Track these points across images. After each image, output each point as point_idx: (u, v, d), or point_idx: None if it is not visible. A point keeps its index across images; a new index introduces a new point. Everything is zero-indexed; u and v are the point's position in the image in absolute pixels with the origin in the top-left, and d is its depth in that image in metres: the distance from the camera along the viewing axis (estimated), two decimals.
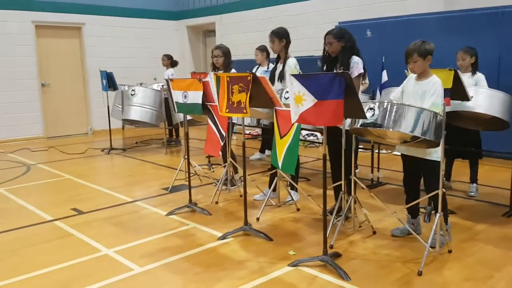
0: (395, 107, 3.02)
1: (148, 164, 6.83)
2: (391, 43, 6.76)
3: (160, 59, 8.51)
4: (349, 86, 2.78)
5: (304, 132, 7.73)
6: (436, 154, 3.35)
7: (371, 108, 3.03)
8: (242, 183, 3.82)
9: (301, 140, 7.71)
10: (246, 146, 3.76)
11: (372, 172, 5.26)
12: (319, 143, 7.83)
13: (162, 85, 7.78)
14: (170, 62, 8.42)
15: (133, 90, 7.73)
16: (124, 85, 8.07)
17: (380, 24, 7.38)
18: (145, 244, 3.66)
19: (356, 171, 5.98)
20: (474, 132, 4.71)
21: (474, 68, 4.70)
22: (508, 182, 4.25)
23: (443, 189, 3.19)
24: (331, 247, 3.44)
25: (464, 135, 4.65)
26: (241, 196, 4.79)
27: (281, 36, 4.55)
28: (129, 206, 4.72)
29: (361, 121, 3.13)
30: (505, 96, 4.09)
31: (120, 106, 8.04)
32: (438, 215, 3.16)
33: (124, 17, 10.60)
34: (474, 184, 4.89)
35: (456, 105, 4.15)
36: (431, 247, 3.22)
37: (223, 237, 3.68)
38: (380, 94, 4.95)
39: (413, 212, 3.66)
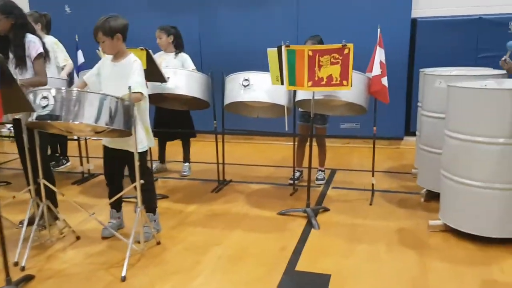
0: (74, 94, 2.55)
1: None
2: (89, 18, 6.24)
3: None
4: (4, 73, 2.16)
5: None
6: (141, 145, 3.09)
7: (44, 97, 2.48)
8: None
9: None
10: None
11: (81, 164, 4.71)
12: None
13: None
14: None
15: None
16: None
17: None
18: None
19: (67, 164, 5.35)
20: (184, 113, 4.72)
21: (178, 48, 4.66)
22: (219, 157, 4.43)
23: (153, 178, 2.95)
24: (22, 269, 2.80)
25: (173, 116, 4.61)
26: None
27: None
28: None
29: (35, 113, 2.55)
30: (202, 77, 4.16)
31: None
32: (138, 209, 2.92)
33: None
34: (187, 164, 4.95)
35: (157, 87, 4.01)
36: (137, 242, 2.98)
37: None
38: (78, 77, 4.40)
39: (117, 206, 3.35)
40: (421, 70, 4.52)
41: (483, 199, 2.95)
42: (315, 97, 3.65)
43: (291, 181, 4.48)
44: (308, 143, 3.78)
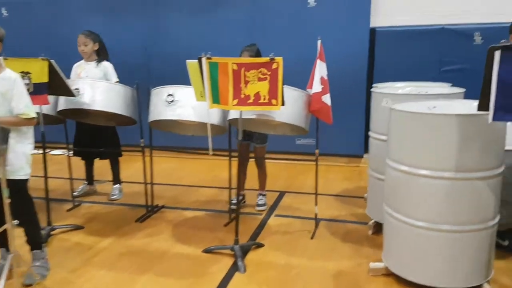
0: None
1: None
2: (28, 22, 5.71)
3: None
4: None
5: None
6: (23, 171, 2.59)
7: None
8: None
9: None
10: None
11: None
12: None
13: None
14: None
15: None
16: None
17: None
18: None
19: None
20: (108, 128, 4.19)
21: (101, 56, 4.14)
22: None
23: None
24: None
25: (94, 132, 4.09)
26: None
27: None
28: None
29: None
30: (126, 90, 3.66)
31: None
32: (10, 255, 2.40)
33: None
34: (117, 185, 4.43)
35: (70, 101, 3.50)
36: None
37: None
38: None
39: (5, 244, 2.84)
40: (374, 85, 4.11)
41: (427, 242, 2.50)
42: (247, 116, 3.20)
43: (233, 206, 4.01)
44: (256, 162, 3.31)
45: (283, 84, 2.82)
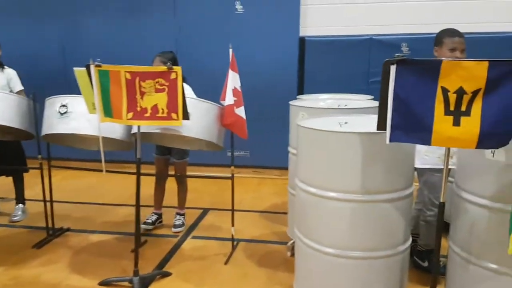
0: None
1: None
2: None
3: None
4: None
5: None
6: None
7: None
8: None
9: None
10: None
11: None
12: None
13: None
14: None
15: None
16: None
17: None
18: None
19: None
20: (14, 142, 3.76)
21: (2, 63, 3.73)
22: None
23: None
24: None
25: None
26: None
27: None
28: None
29: None
30: (20, 100, 3.26)
31: None
32: None
33: None
34: (20, 205, 3.98)
35: None
36: None
37: None
38: None
39: None
40: (298, 96, 3.91)
41: (337, 270, 2.28)
42: (149, 130, 2.90)
43: (148, 226, 3.68)
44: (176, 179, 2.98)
45: (209, 95, 2.55)
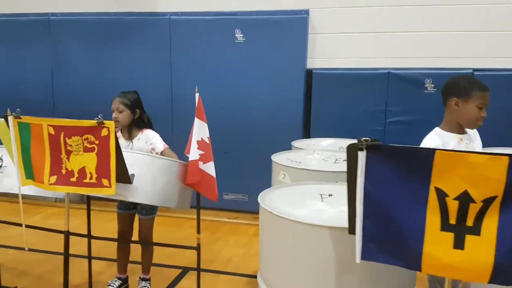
0: None
1: None
2: None
3: None
4: None
5: None
6: None
7: None
8: None
9: None
10: None
11: None
12: None
13: None
14: None
15: None
16: None
17: None
18: None
19: None
20: None
21: None
22: None
23: None
24: None
25: None
26: None
27: None
28: None
29: None
30: None
31: None
32: None
33: None
34: None
35: None
36: None
37: None
38: None
39: None
40: (293, 142, 3.33)
41: None
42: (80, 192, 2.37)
43: None
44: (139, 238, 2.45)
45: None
